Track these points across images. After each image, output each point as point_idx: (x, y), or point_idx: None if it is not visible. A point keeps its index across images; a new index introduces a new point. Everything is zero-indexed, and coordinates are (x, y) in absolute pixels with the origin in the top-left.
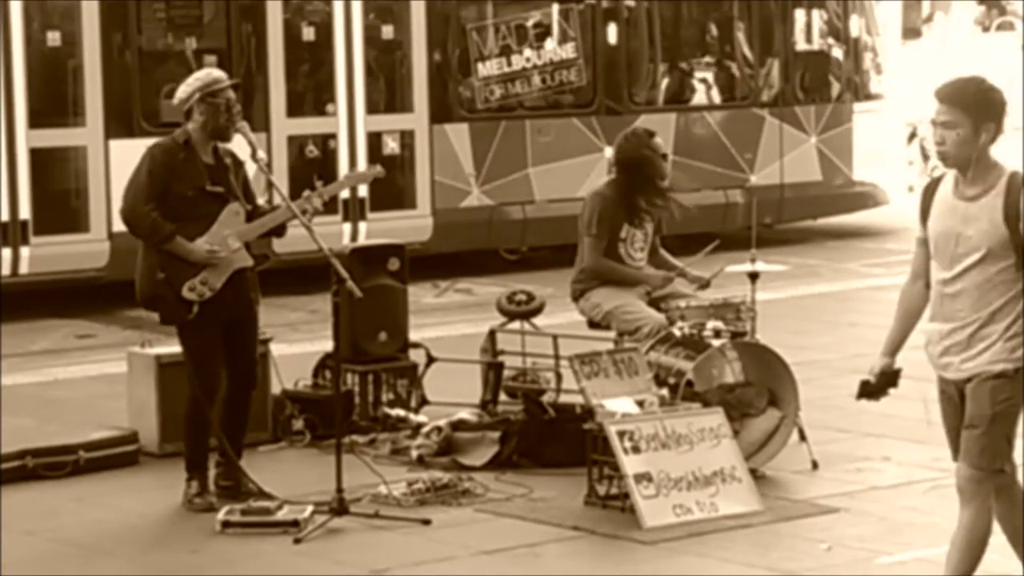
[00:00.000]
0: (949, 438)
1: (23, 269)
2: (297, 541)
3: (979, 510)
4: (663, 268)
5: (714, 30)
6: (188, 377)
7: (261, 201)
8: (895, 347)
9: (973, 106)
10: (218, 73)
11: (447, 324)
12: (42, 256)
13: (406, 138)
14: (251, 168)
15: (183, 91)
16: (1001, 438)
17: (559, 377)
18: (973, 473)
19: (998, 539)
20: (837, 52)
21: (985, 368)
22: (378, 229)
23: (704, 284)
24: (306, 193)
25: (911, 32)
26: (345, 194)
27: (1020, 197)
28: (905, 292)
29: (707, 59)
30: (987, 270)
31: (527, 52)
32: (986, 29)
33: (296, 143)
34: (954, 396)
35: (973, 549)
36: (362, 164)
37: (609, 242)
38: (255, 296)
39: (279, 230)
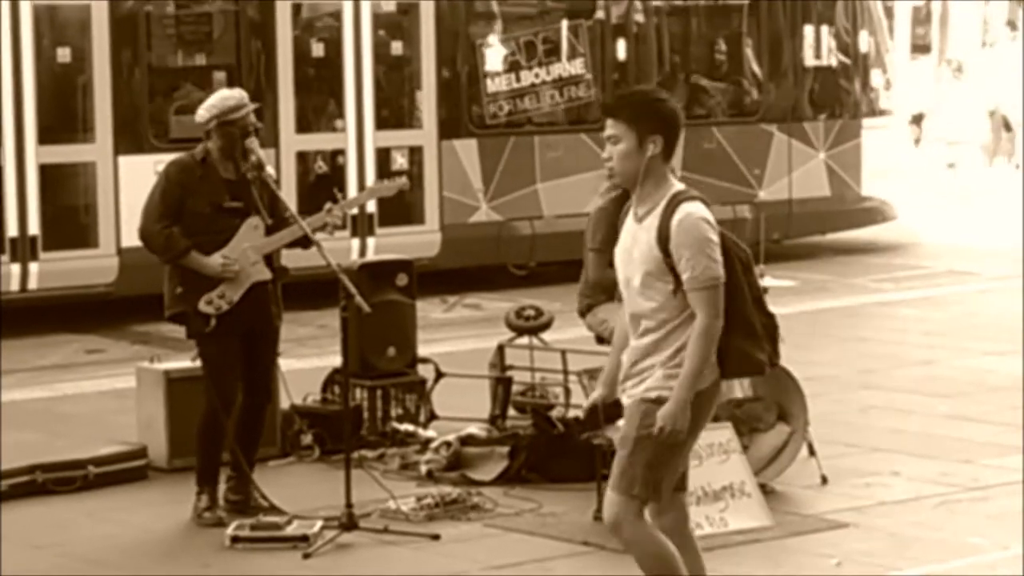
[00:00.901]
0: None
1: (32, 284)
2: (306, 556)
3: (629, 542)
4: None
5: (723, 46)
6: (205, 389)
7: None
8: (610, 379)
9: (637, 118)
10: (236, 100)
11: (456, 339)
12: (51, 271)
13: (415, 154)
14: None
15: (202, 114)
16: (641, 464)
17: (568, 392)
18: (612, 496)
19: (988, 522)
20: (846, 68)
21: (643, 395)
22: (386, 244)
23: None
24: (328, 205)
25: (920, 48)
26: (354, 210)
27: (673, 217)
28: (618, 319)
29: (716, 75)
30: (650, 295)
31: (536, 68)
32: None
33: (305, 159)
34: None
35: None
36: (371, 180)
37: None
38: (276, 310)
39: (305, 242)
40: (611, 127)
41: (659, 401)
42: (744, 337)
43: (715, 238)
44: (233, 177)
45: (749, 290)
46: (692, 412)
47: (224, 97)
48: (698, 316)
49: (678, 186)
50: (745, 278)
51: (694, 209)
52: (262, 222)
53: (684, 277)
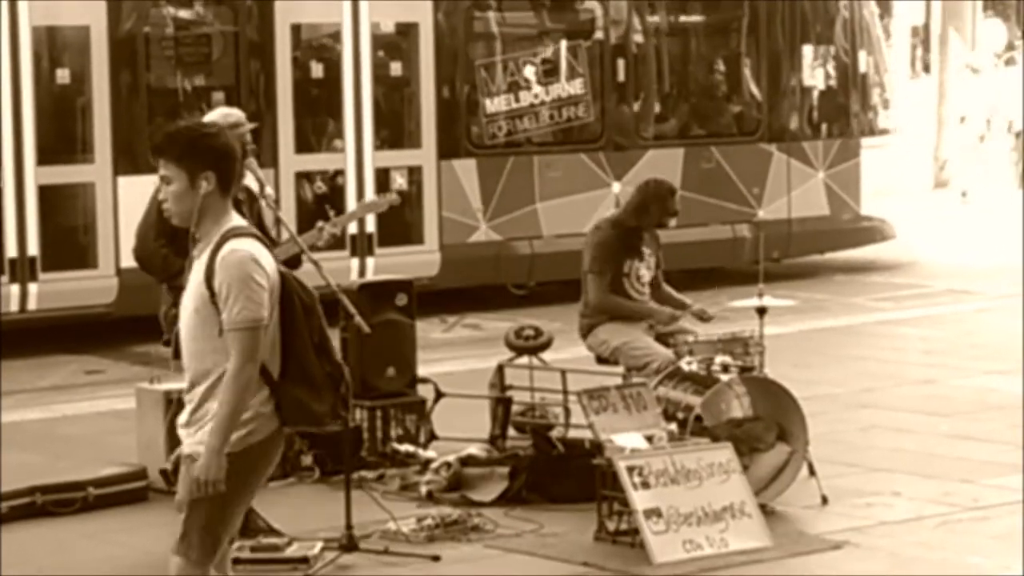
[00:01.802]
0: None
1: (31, 305)
2: None
3: None
4: (667, 303)
5: (722, 66)
6: None
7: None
8: None
9: (185, 157)
10: (239, 113)
11: (455, 359)
12: (50, 292)
13: (414, 174)
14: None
15: None
16: (197, 528)
17: (568, 412)
18: (173, 559)
19: (989, 542)
20: (845, 87)
21: (195, 448)
22: (386, 264)
23: (707, 318)
24: (319, 224)
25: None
26: (353, 229)
27: (218, 253)
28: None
29: (715, 94)
30: (199, 337)
31: (535, 88)
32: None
33: (304, 179)
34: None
35: None
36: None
37: (613, 277)
38: None
39: (293, 262)
40: (162, 167)
41: (194, 458)
42: (301, 386)
43: (260, 278)
44: None
45: (311, 336)
46: (247, 465)
47: (226, 113)
48: (231, 359)
49: (235, 222)
50: (307, 323)
51: (241, 246)
52: None
53: (222, 317)
